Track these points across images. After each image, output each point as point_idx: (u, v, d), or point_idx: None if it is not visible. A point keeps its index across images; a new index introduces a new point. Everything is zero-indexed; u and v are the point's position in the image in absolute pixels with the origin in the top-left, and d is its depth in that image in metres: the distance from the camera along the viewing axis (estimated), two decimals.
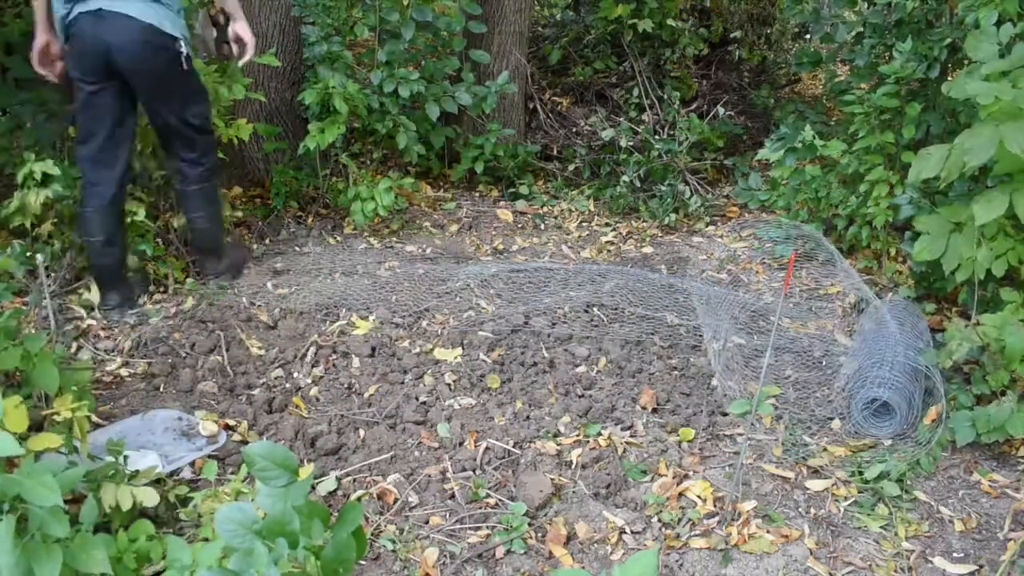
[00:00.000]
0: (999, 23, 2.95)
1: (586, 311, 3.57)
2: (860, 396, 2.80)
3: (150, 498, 2.09)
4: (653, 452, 2.67)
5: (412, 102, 4.57)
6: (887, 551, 2.29)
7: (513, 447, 2.67)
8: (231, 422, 2.74)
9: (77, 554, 1.69)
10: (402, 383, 3.02)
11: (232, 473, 2.49)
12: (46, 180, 3.34)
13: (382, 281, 3.80)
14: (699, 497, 2.45)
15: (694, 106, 5.69)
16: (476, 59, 4.89)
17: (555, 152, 5.47)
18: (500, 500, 2.44)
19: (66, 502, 2.01)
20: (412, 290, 3.72)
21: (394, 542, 2.27)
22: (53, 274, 3.43)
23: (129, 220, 3.46)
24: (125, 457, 2.19)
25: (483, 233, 4.56)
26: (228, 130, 3.74)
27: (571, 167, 5.22)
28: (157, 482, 2.21)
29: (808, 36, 6.47)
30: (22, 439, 2.02)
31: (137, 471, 2.18)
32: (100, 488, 2.06)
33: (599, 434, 2.72)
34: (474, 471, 2.57)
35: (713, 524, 2.35)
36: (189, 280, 3.65)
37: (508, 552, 2.23)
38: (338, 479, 2.50)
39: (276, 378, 3.03)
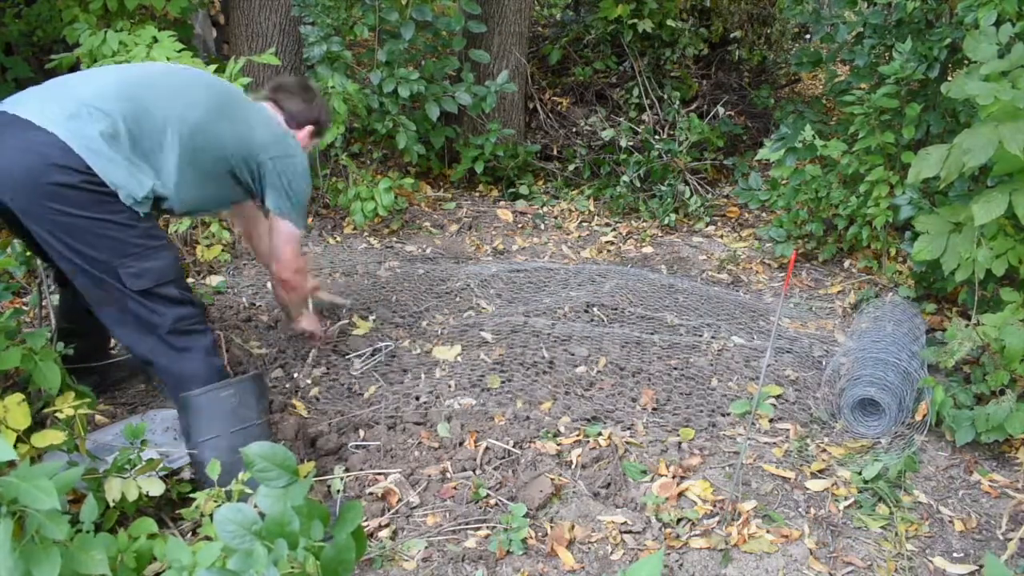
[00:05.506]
0: (998, 23, 2.95)
1: (586, 311, 3.57)
2: (849, 395, 2.81)
3: (156, 487, 2.08)
4: (653, 452, 2.66)
5: (412, 102, 4.57)
6: (887, 551, 2.29)
7: (513, 447, 2.66)
8: None
9: (76, 555, 1.69)
10: (402, 383, 3.02)
11: None
12: None
13: (382, 281, 3.80)
14: (699, 497, 2.45)
15: (694, 106, 5.69)
16: (476, 59, 4.89)
17: (555, 152, 5.47)
18: (500, 500, 2.44)
19: (68, 501, 2.02)
20: (412, 290, 3.72)
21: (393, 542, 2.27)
22: (53, 274, 3.42)
23: None
24: (144, 441, 2.19)
25: (483, 233, 4.56)
26: None
27: (571, 167, 5.22)
28: (161, 478, 2.21)
29: (808, 36, 6.48)
30: (22, 438, 2.03)
31: (151, 459, 2.18)
32: (100, 485, 2.06)
33: (599, 434, 2.72)
34: (474, 471, 2.57)
35: (713, 524, 2.35)
36: (188, 280, 3.65)
37: (508, 552, 2.23)
38: (339, 479, 2.50)
39: (276, 378, 3.03)
